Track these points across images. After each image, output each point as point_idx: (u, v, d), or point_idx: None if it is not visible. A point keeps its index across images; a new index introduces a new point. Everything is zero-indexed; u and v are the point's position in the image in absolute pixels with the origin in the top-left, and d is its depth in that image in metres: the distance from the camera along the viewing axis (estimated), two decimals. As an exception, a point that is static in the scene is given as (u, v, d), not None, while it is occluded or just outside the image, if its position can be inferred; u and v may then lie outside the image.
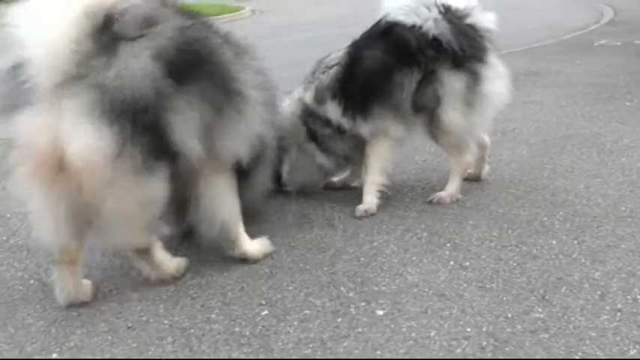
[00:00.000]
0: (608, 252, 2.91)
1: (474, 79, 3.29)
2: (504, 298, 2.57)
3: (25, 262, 3.23)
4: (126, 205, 2.46)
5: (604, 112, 5.37)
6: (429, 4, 3.25)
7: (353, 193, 3.76)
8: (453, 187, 3.57)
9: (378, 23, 3.41)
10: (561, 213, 3.36)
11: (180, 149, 2.50)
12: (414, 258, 2.95)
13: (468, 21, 3.30)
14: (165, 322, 2.57)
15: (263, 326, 2.48)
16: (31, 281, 3.03)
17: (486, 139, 3.74)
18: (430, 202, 3.55)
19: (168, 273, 2.85)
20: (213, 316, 2.58)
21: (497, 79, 3.37)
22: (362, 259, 2.96)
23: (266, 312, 2.58)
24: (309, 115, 3.55)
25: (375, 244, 3.11)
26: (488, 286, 2.67)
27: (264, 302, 2.65)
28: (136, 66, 2.36)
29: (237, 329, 2.48)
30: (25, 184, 2.46)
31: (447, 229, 3.22)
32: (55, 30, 2.32)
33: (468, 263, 2.87)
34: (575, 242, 3.03)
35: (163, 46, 2.44)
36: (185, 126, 2.48)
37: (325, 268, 2.89)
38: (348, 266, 2.90)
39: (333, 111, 3.45)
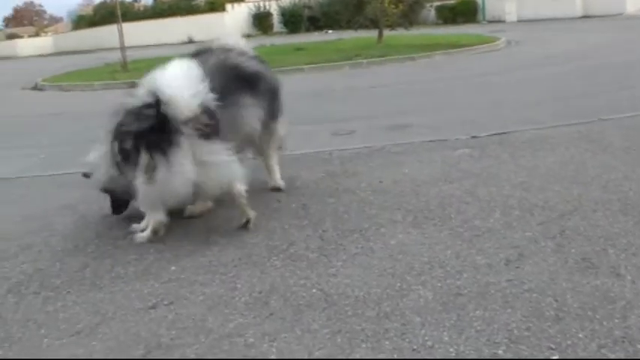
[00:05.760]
0: None
1: None
2: None
3: (306, 271, 3.44)
4: None
5: None
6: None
7: None
8: None
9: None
10: None
11: None
12: None
13: None
14: (451, 350, 2.59)
15: (555, 371, 2.42)
16: (313, 290, 3.21)
17: None
18: None
19: None
20: (500, 352, 2.54)
21: None
22: (658, 316, 2.76)
23: (556, 357, 2.49)
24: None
25: (671, 301, 2.88)
26: None
27: (553, 346, 2.55)
28: None
29: (528, 371, 2.43)
30: None
31: None
32: None
33: None
34: None
35: None
36: None
37: (616, 321, 2.71)
38: (642, 322, 2.72)
39: None
